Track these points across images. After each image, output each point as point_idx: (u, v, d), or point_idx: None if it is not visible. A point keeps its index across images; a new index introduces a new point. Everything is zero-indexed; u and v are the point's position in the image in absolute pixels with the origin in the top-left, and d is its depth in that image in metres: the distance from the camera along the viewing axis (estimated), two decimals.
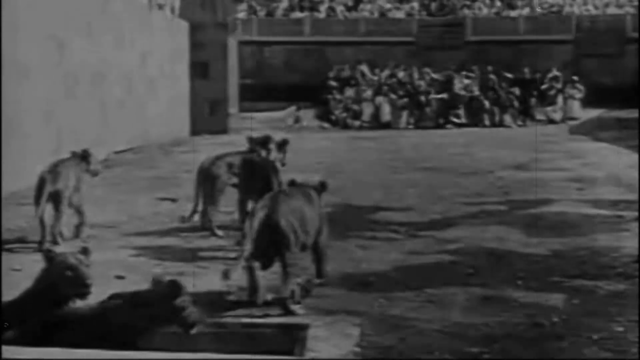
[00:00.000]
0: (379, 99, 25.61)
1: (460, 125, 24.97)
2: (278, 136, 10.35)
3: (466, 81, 26.18)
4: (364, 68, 28.38)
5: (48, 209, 8.53)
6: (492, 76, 26.61)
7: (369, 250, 8.14)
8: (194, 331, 4.77)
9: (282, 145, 9.64)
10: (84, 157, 9.12)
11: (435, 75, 26.77)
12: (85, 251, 4.78)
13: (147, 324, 4.70)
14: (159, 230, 9.24)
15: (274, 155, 9.20)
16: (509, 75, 26.67)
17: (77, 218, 8.95)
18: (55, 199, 8.55)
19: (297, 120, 26.04)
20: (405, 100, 25.49)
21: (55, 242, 8.37)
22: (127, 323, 4.62)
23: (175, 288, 4.73)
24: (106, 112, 16.47)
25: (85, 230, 8.96)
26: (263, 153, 8.90)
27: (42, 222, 8.49)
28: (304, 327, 5.29)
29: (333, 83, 27.31)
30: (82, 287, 4.64)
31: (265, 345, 4.98)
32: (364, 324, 5.56)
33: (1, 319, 4.34)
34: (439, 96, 25.71)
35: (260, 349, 4.89)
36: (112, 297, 4.77)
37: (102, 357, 4.09)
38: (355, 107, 26.04)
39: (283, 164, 9.43)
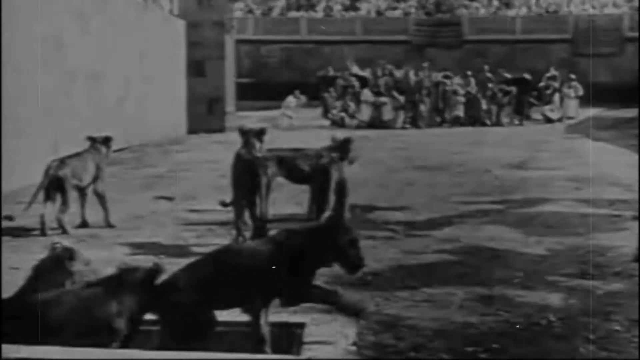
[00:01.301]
0: (380, 99, 25.59)
1: (457, 124, 24.96)
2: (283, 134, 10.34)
3: (459, 87, 26.08)
4: (355, 67, 28.43)
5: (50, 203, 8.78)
6: (489, 74, 26.63)
7: (366, 249, 8.11)
8: (355, 274, 5.00)
9: (346, 144, 9.73)
10: (104, 143, 9.40)
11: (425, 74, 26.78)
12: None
13: (313, 260, 4.84)
14: (156, 229, 9.24)
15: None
16: (508, 75, 26.63)
17: (101, 207, 9.19)
18: (59, 188, 8.75)
19: (297, 103, 26.18)
20: (401, 99, 25.46)
21: (64, 232, 8.73)
22: (298, 254, 4.78)
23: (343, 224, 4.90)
24: (103, 111, 16.45)
25: (112, 217, 9.32)
26: (257, 145, 8.80)
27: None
28: (300, 326, 5.28)
29: (342, 82, 27.32)
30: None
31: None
32: (361, 323, 5.56)
33: (1, 317, 4.34)
34: (443, 80, 25.78)
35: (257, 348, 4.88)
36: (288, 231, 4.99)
37: (103, 357, 4.09)
38: (352, 106, 26.01)
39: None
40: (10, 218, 9.45)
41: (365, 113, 25.58)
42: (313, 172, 9.21)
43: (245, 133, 8.83)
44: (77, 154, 9.34)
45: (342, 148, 9.67)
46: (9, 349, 3.83)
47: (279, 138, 14.21)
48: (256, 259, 4.80)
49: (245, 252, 5.02)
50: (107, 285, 4.50)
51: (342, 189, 8.67)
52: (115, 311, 4.41)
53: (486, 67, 27.09)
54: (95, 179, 9.32)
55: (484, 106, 25.62)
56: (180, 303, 4.58)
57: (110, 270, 4.73)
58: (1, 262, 6.61)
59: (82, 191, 9.25)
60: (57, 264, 4.68)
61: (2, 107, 11.50)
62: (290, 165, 9.60)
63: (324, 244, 4.84)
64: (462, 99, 25.63)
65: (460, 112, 25.49)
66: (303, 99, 26.57)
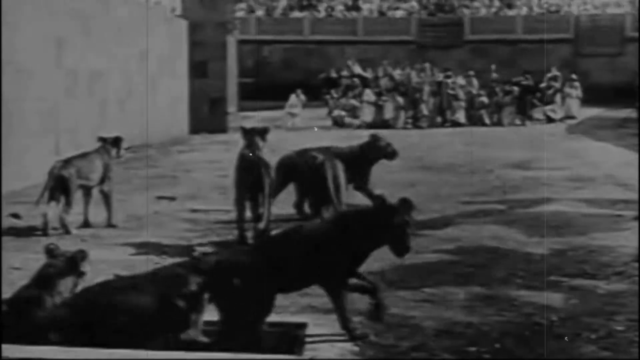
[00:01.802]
0: (382, 99, 25.60)
1: (458, 125, 24.97)
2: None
3: (460, 91, 26.03)
4: (356, 67, 28.46)
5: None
6: (494, 75, 26.65)
7: None
8: (403, 257, 5.20)
9: (375, 142, 10.29)
10: (113, 143, 9.43)
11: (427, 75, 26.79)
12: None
13: (367, 241, 5.12)
14: (157, 229, 9.24)
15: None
16: (517, 81, 26.53)
17: (105, 207, 9.23)
18: (63, 188, 8.78)
19: (299, 104, 26.25)
20: (403, 99, 25.47)
21: (67, 232, 8.80)
22: (353, 235, 5.09)
23: (407, 205, 5.15)
24: (105, 112, 16.46)
25: (114, 218, 9.39)
26: (260, 145, 8.79)
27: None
28: (302, 326, 5.29)
29: (347, 80, 27.35)
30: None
31: (264, 344, 4.97)
32: (362, 323, 5.56)
33: (0, 318, 4.35)
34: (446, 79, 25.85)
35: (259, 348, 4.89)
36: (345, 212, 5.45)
37: (102, 357, 4.09)
38: (356, 103, 25.99)
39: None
40: (17, 216, 9.49)
41: (367, 113, 25.58)
42: (309, 172, 9.18)
43: (247, 132, 8.83)
44: (84, 154, 9.34)
45: (372, 146, 10.20)
46: (9, 349, 3.84)
47: (283, 138, 14.21)
48: (316, 242, 5.10)
49: (305, 235, 5.26)
50: (184, 267, 4.73)
51: (337, 187, 8.86)
52: (197, 288, 4.57)
53: (493, 67, 27.17)
54: (103, 179, 9.32)
55: (487, 105, 25.62)
56: (242, 286, 4.75)
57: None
58: (1, 262, 6.62)
59: (87, 191, 9.26)
60: (72, 265, 4.71)
61: (4, 107, 11.51)
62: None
63: (378, 225, 5.07)
64: (463, 104, 25.62)
65: (461, 117, 25.44)
66: (303, 98, 26.59)
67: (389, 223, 5.07)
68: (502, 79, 26.63)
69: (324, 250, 5.08)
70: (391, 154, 10.49)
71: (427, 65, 27.58)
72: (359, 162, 10.24)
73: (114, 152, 9.48)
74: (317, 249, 5.09)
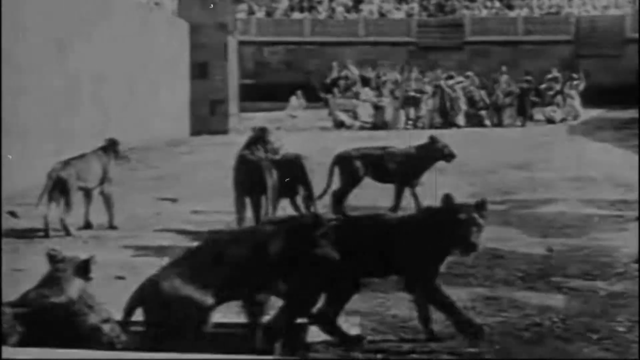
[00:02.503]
0: (382, 100, 25.62)
1: (458, 126, 24.97)
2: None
3: (464, 82, 26.06)
4: (353, 68, 28.54)
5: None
6: (506, 76, 26.68)
7: None
8: (468, 255, 5.29)
9: (433, 144, 10.46)
10: (110, 146, 9.47)
11: (427, 79, 26.82)
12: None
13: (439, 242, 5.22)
14: (159, 230, 9.25)
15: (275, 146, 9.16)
16: (524, 86, 26.46)
17: (106, 208, 9.26)
18: (62, 189, 8.81)
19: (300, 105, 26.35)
20: (402, 100, 25.48)
21: (68, 233, 8.84)
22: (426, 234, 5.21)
23: (481, 206, 5.22)
24: (107, 113, 16.46)
25: (116, 219, 9.42)
26: (260, 147, 8.79)
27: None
28: (304, 327, 5.30)
29: (343, 82, 27.42)
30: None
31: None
32: (363, 324, 5.57)
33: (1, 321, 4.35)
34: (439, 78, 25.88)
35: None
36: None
37: (102, 357, 4.10)
38: (356, 103, 26.01)
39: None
40: (14, 214, 9.51)
41: (367, 113, 25.57)
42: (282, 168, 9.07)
43: (262, 131, 8.92)
44: (82, 156, 9.37)
45: (430, 148, 10.25)
46: (9, 350, 3.85)
47: (284, 139, 14.19)
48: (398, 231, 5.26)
49: (389, 221, 5.49)
50: (277, 224, 5.12)
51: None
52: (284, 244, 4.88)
53: (504, 69, 27.20)
54: (102, 180, 9.35)
55: (488, 105, 25.63)
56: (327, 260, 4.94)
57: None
58: (2, 265, 6.63)
59: (88, 193, 9.29)
60: (82, 270, 4.71)
61: (5, 109, 11.52)
62: (377, 165, 9.78)
63: (446, 223, 5.14)
64: (464, 107, 25.60)
65: (461, 121, 25.39)
66: (304, 102, 26.63)
67: (455, 220, 5.11)
68: (506, 81, 26.64)
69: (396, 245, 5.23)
70: (449, 156, 10.43)
71: (439, 71, 27.65)
72: (415, 163, 10.27)
73: (112, 154, 9.50)
74: (388, 242, 5.22)
